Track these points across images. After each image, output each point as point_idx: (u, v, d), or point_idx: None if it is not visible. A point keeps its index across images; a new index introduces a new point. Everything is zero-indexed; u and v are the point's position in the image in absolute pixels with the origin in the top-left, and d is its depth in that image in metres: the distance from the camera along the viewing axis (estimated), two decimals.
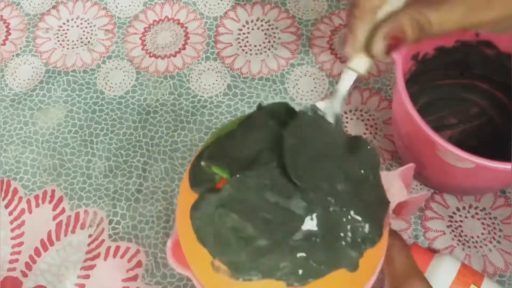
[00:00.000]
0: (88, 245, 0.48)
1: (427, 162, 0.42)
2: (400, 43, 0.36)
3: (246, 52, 0.57)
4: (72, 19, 0.61)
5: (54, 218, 0.49)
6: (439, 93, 0.50)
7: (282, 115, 0.32)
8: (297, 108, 0.33)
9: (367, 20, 0.33)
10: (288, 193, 0.28)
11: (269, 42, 0.57)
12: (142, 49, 0.58)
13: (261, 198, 0.28)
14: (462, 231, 0.46)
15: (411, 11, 0.32)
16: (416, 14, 0.32)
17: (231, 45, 0.58)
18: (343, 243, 0.28)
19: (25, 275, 0.47)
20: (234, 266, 0.28)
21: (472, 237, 0.46)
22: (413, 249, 0.42)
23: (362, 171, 0.30)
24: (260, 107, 0.33)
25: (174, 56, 0.57)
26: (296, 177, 0.28)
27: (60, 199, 0.50)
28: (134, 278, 0.46)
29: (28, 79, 0.57)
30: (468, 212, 0.47)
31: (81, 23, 0.61)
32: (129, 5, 0.61)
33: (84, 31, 0.60)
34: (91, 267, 0.47)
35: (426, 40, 0.33)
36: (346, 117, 0.52)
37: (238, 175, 0.28)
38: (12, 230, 0.49)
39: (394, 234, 0.36)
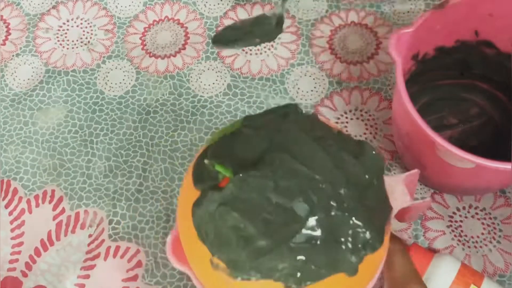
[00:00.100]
0: (88, 245, 0.48)
1: (427, 162, 0.42)
2: None
3: (246, 52, 0.57)
4: (72, 19, 0.61)
5: (54, 218, 0.49)
6: (439, 93, 0.50)
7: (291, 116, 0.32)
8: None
9: None
10: (291, 195, 0.28)
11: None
12: (142, 49, 0.58)
13: (263, 199, 0.28)
14: (462, 231, 0.46)
15: None
16: None
17: None
18: (343, 247, 0.28)
19: (25, 275, 0.47)
20: (233, 264, 0.28)
21: (472, 237, 0.46)
22: (413, 249, 0.42)
23: (367, 176, 0.30)
24: (268, 110, 0.33)
25: (174, 56, 0.57)
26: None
27: (60, 199, 0.50)
28: (134, 278, 0.46)
29: (28, 79, 0.57)
30: (468, 212, 0.47)
31: (81, 23, 0.61)
32: (129, 5, 0.61)
33: (84, 31, 0.60)
34: (91, 267, 0.47)
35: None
36: (346, 117, 0.52)
37: (241, 175, 0.28)
38: (12, 230, 0.49)
39: (394, 238, 0.36)
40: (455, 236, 0.46)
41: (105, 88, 0.56)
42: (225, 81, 0.55)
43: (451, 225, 0.46)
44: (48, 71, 0.58)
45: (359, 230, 0.28)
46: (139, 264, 0.47)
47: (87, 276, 0.47)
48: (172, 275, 0.46)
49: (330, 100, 0.53)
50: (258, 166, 0.29)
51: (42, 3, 0.62)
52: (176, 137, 0.53)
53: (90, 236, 0.48)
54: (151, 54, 0.58)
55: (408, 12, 0.58)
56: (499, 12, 0.43)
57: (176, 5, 0.61)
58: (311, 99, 0.53)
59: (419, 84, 0.49)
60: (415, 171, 0.35)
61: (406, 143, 0.44)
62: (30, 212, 0.50)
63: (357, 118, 0.52)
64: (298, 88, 0.54)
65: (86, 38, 0.59)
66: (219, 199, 0.29)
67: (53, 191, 0.51)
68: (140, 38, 0.59)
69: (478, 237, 0.46)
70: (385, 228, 0.30)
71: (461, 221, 0.46)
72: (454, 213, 0.47)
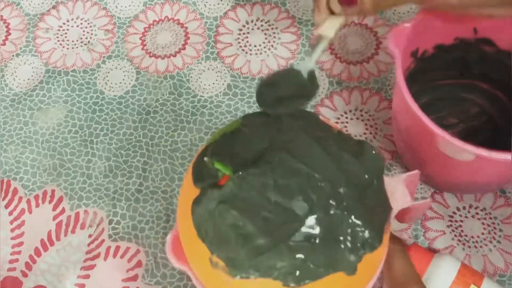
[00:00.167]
0: (88, 245, 0.48)
1: (427, 157, 0.42)
2: None
3: (246, 52, 0.57)
4: (72, 19, 0.61)
5: (54, 218, 0.49)
6: (439, 93, 0.50)
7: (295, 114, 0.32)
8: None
9: None
10: (290, 193, 0.28)
11: (269, 42, 0.57)
12: (142, 49, 0.58)
13: (262, 197, 0.28)
14: (462, 231, 0.46)
15: None
16: None
17: (231, 45, 0.58)
18: (342, 246, 0.28)
19: (25, 275, 0.47)
20: (232, 263, 0.28)
21: (472, 237, 0.46)
22: (413, 249, 0.42)
23: (366, 176, 0.30)
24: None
25: (174, 56, 0.57)
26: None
27: (60, 199, 0.50)
28: (134, 278, 0.46)
29: (28, 79, 0.57)
30: (468, 212, 0.47)
31: (81, 23, 0.61)
32: (129, 5, 0.61)
33: (84, 31, 0.60)
34: (91, 267, 0.47)
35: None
36: (346, 117, 0.52)
37: (241, 173, 0.28)
38: (12, 230, 0.49)
39: (394, 239, 0.36)
40: (455, 236, 0.46)
41: (105, 88, 0.56)
42: (225, 81, 0.55)
43: (451, 225, 0.46)
44: (48, 71, 0.58)
45: (358, 229, 0.28)
46: (139, 264, 0.47)
47: (87, 276, 0.47)
48: (172, 275, 0.46)
49: (330, 100, 0.53)
50: (257, 165, 0.29)
51: (42, 3, 0.62)
52: (176, 137, 0.53)
53: (90, 236, 0.48)
54: (151, 54, 0.58)
55: (408, 12, 0.58)
56: None
57: (176, 5, 0.61)
58: None
59: (419, 84, 0.49)
60: (415, 172, 0.35)
61: (406, 138, 0.44)
62: (30, 212, 0.50)
63: (357, 118, 0.52)
64: None
65: (86, 38, 0.60)
66: (218, 197, 0.29)
67: (53, 191, 0.51)
68: (140, 38, 0.59)
69: (478, 237, 0.46)
70: (384, 228, 0.30)
71: (461, 221, 0.46)
72: (454, 213, 0.47)
